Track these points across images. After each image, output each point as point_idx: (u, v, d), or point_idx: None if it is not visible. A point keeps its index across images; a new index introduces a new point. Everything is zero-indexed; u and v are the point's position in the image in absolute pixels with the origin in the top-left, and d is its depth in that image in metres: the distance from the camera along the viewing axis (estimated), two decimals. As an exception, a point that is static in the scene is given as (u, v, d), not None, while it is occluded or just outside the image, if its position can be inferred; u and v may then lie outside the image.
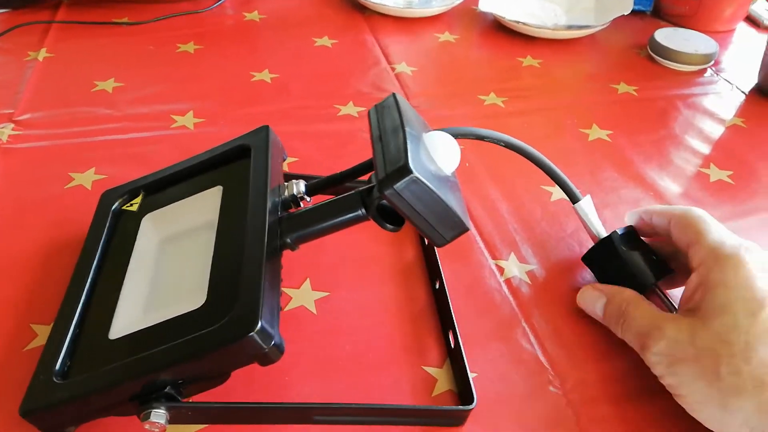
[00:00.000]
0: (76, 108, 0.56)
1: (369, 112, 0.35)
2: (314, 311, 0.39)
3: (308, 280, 0.41)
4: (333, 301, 0.40)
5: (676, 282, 0.40)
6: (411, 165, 0.29)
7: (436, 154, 0.32)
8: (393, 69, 0.66)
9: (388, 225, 0.33)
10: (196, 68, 0.64)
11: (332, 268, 0.42)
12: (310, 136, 0.55)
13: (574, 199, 0.40)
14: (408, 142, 0.30)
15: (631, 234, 0.40)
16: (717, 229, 0.35)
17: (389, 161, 0.30)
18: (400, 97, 0.34)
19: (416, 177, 0.29)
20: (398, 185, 0.29)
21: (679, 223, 0.37)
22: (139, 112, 0.56)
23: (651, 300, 0.36)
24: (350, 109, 0.59)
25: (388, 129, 0.32)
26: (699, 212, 0.36)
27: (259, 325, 0.27)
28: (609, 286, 0.38)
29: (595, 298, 0.38)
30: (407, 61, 0.67)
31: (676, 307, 0.37)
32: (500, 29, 0.75)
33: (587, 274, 0.42)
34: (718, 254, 0.33)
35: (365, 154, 0.35)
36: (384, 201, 0.32)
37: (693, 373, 0.31)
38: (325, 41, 0.71)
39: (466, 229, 0.32)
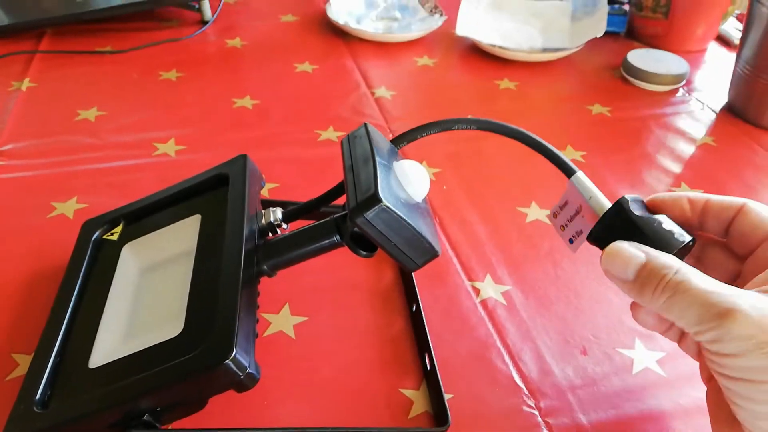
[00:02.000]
0: (58, 137, 0.57)
1: (341, 142, 0.36)
2: (293, 336, 0.40)
3: (287, 305, 0.42)
4: (312, 326, 0.41)
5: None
6: (380, 194, 0.30)
7: (406, 182, 0.33)
8: (372, 93, 0.67)
9: (361, 251, 0.34)
10: (178, 95, 0.65)
11: (311, 293, 0.43)
12: (291, 161, 0.56)
13: (569, 173, 0.36)
14: (378, 171, 0.31)
15: (640, 201, 0.34)
16: None
17: (360, 190, 0.31)
18: (371, 128, 0.36)
19: (385, 206, 0.30)
20: (368, 214, 0.30)
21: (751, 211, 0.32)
22: (121, 141, 0.57)
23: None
24: (330, 133, 0.60)
25: (359, 158, 0.33)
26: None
27: (234, 353, 0.28)
28: (650, 248, 0.30)
29: (629, 258, 0.30)
30: (387, 86, 0.69)
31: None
32: (478, 53, 0.77)
33: (562, 292, 0.43)
34: None
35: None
36: (356, 229, 0.33)
37: None
38: (306, 66, 0.72)
39: (437, 254, 0.33)
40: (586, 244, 0.35)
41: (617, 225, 0.33)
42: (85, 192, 0.50)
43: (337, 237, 0.34)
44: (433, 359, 0.37)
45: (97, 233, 0.41)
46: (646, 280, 0.29)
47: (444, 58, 0.76)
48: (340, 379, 0.37)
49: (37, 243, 0.45)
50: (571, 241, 0.37)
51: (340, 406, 0.36)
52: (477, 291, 0.44)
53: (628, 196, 0.33)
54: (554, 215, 0.39)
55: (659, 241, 0.31)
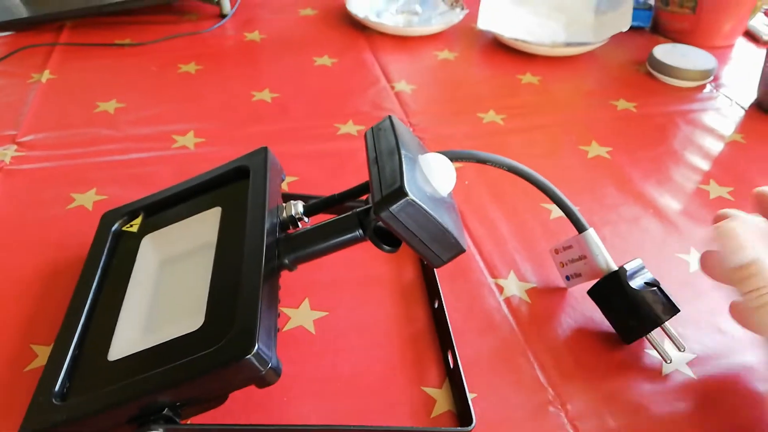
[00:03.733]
0: (78, 129, 0.57)
1: (365, 135, 0.35)
2: (313, 331, 0.39)
3: (307, 299, 0.41)
4: (332, 321, 0.40)
5: None
6: (406, 187, 0.29)
7: (432, 176, 0.32)
8: (392, 87, 0.67)
9: (385, 246, 0.33)
10: (197, 88, 0.65)
11: (331, 288, 0.42)
12: (310, 155, 0.55)
13: (580, 229, 0.39)
14: (404, 164, 0.31)
15: (639, 269, 0.38)
16: None
17: (385, 184, 0.30)
18: (396, 120, 0.35)
19: (411, 199, 0.29)
20: (394, 207, 0.29)
21: None
22: (140, 133, 0.57)
23: (659, 339, 0.37)
24: (350, 128, 0.59)
25: (384, 151, 0.33)
26: None
27: (256, 348, 0.27)
28: (761, 247, 0.33)
29: (742, 247, 0.33)
30: (407, 80, 0.68)
31: (685, 347, 0.37)
32: (499, 47, 0.76)
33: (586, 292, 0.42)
34: None
35: (365, 172, 0.35)
36: (380, 223, 0.32)
37: None
38: (326, 60, 0.71)
39: (463, 250, 0.32)
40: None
41: (614, 290, 0.38)
42: (104, 183, 0.50)
43: (360, 231, 0.34)
44: (456, 357, 0.36)
45: (116, 225, 0.41)
46: (746, 279, 0.32)
47: (465, 52, 0.75)
48: (361, 375, 0.37)
49: (56, 234, 0.45)
50: (568, 278, 0.43)
51: (361, 403, 0.35)
52: (500, 288, 0.43)
53: (629, 265, 0.38)
54: (556, 252, 0.43)
55: (648, 311, 0.37)
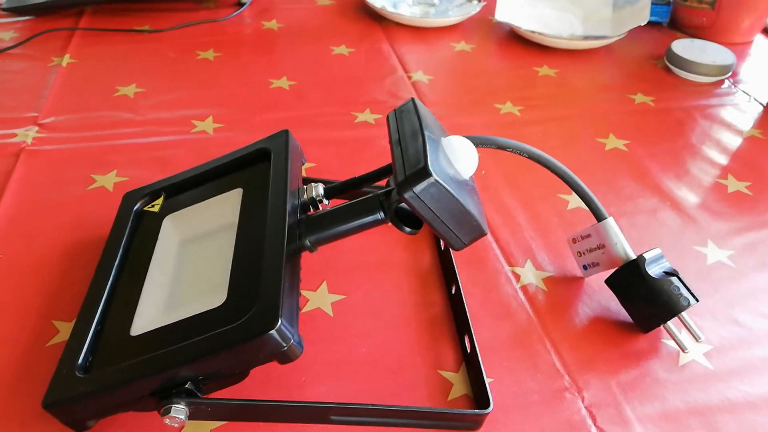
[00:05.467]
0: (98, 112, 0.57)
1: (388, 117, 0.35)
2: (331, 313, 0.39)
3: (325, 282, 0.41)
4: (349, 304, 0.40)
5: None
6: (430, 168, 0.29)
7: (455, 158, 0.32)
8: (409, 77, 0.67)
9: (406, 228, 0.33)
10: (215, 75, 0.65)
11: (349, 272, 0.42)
12: (328, 142, 0.55)
13: (600, 217, 0.39)
14: (427, 145, 0.31)
15: (658, 258, 0.38)
16: None
17: (408, 164, 0.30)
18: (419, 102, 0.35)
19: (435, 180, 0.29)
20: (417, 188, 0.29)
21: None
22: (160, 117, 0.57)
23: (677, 330, 0.37)
24: (367, 116, 0.59)
25: (407, 133, 0.33)
26: None
27: (279, 323, 0.28)
28: None
29: None
30: (424, 70, 0.68)
31: (702, 337, 0.37)
32: (516, 39, 0.76)
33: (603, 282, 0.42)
34: None
35: (382, 160, 0.36)
36: (402, 204, 0.32)
37: None
38: (343, 50, 0.72)
39: (484, 233, 0.32)
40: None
41: (633, 279, 0.38)
42: (125, 166, 0.50)
43: (381, 214, 0.34)
44: (473, 341, 0.36)
45: (138, 205, 0.41)
46: None
47: (482, 43, 0.75)
48: (378, 358, 0.37)
49: (77, 214, 0.46)
50: (585, 268, 0.43)
51: (378, 385, 0.35)
52: (517, 276, 0.43)
53: (648, 254, 0.38)
54: (573, 241, 0.43)
55: (667, 300, 0.37)
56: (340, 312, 0.39)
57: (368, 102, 0.62)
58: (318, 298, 0.40)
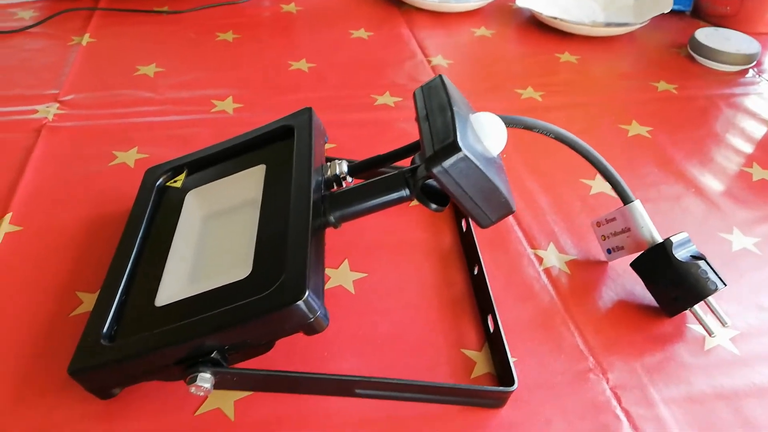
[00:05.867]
0: (118, 90, 0.57)
1: (414, 93, 0.35)
2: (353, 291, 0.39)
3: (347, 260, 0.41)
4: (371, 282, 0.40)
5: None
6: (460, 142, 0.29)
7: (483, 135, 0.32)
8: (429, 61, 0.66)
9: (432, 204, 0.33)
10: (234, 56, 0.65)
11: (370, 251, 0.42)
12: (348, 123, 0.55)
13: (626, 200, 0.39)
14: (456, 121, 0.30)
15: (685, 242, 0.38)
16: None
17: (437, 139, 0.30)
18: (447, 79, 0.35)
19: (465, 154, 0.29)
20: (446, 163, 0.29)
21: None
22: (179, 96, 0.57)
23: (703, 314, 0.36)
24: (386, 99, 0.59)
25: (435, 108, 0.32)
26: None
27: (307, 294, 0.27)
28: None
29: None
30: (443, 54, 0.67)
31: (728, 322, 0.37)
32: (537, 25, 0.75)
33: (627, 266, 0.42)
34: None
35: (402, 142, 0.35)
36: (430, 180, 0.32)
37: None
38: (362, 33, 0.71)
39: (512, 210, 0.32)
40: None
41: (659, 262, 0.37)
42: (145, 143, 0.50)
43: (406, 191, 0.33)
44: (497, 320, 0.35)
45: (160, 180, 0.41)
46: None
47: (502, 29, 0.74)
48: (401, 335, 0.37)
49: (99, 189, 0.46)
50: (609, 252, 0.42)
51: (400, 362, 0.35)
52: (540, 259, 0.42)
53: (674, 237, 0.37)
54: (598, 224, 0.42)
55: (694, 284, 0.36)
56: (361, 290, 0.39)
57: (388, 85, 0.61)
58: (340, 276, 0.40)
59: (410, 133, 0.54)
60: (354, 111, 0.57)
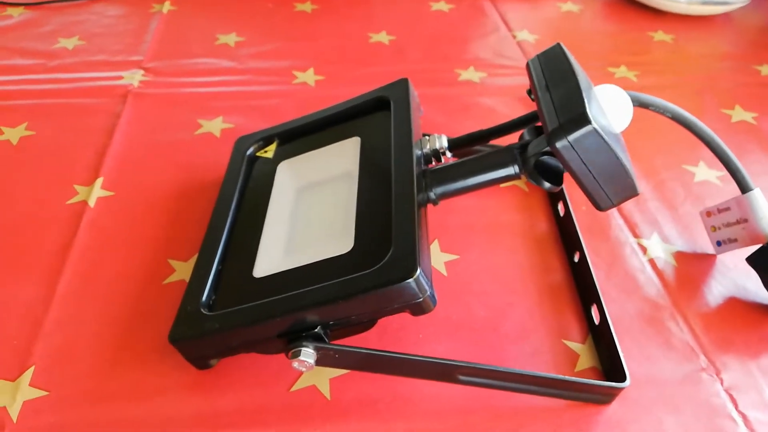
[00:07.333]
0: (200, 59, 0.57)
1: (529, 63, 0.33)
2: (444, 273, 0.37)
3: (437, 241, 0.39)
4: (463, 264, 0.38)
5: None
6: (589, 114, 0.27)
7: (609, 109, 0.30)
8: (514, 36, 0.63)
9: (545, 183, 0.31)
10: (313, 27, 0.63)
11: (461, 232, 0.40)
12: (432, 98, 0.53)
13: (745, 189, 0.36)
14: (582, 90, 0.28)
15: None
16: None
17: (562, 110, 0.28)
18: (565, 48, 0.32)
19: (595, 128, 0.26)
20: (572, 136, 0.27)
21: None
22: (261, 67, 0.56)
23: None
24: (471, 74, 0.57)
25: (556, 77, 0.30)
26: None
27: (418, 272, 0.26)
28: None
29: None
30: (529, 29, 0.64)
31: None
32: (627, 1, 0.71)
33: (740, 259, 0.39)
34: None
35: (488, 119, 0.33)
36: (544, 157, 0.30)
37: None
38: (442, 6, 0.69)
39: (636, 193, 0.29)
40: None
41: None
42: (229, 113, 0.50)
43: (516, 168, 0.31)
44: (604, 312, 0.33)
45: (251, 150, 0.40)
46: None
47: (590, 5, 0.70)
48: (498, 321, 0.35)
49: (186, 157, 0.45)
50: (719, 244, 0.39)
51: (499, 348, 0.33)
52: (644, 249, 0.40)
53: None
54: (708, 214, 0.39)
55: None
56: (454, 272, 0.38)
57: (472, 60, 0.59)
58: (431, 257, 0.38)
59: (497, 111, 0.52)
60: (437, 86, 0.55)
